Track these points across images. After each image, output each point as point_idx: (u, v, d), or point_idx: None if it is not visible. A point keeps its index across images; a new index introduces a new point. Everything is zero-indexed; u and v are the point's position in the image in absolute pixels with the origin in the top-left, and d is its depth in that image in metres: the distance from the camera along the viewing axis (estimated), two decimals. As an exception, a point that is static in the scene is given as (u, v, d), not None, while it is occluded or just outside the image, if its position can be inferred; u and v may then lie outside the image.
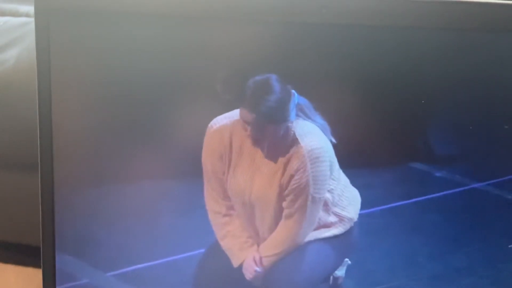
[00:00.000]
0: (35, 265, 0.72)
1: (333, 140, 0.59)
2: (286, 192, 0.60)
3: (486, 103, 0.57)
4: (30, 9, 0.86)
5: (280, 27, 0.57)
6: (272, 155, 0.60)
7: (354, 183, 0.60)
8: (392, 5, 0.55)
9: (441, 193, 0.59)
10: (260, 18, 0.57)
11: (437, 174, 0.59)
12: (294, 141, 0.59)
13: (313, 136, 0.59)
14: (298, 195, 0.60)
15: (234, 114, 0.60)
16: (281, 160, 0.60)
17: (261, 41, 0.58)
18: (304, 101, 0.58)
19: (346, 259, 0.63)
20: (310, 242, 0.62)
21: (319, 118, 0.58)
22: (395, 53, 0.56)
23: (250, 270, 0.63)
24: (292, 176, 0.60)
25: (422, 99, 0.57)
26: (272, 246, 0.62)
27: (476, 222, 0.60)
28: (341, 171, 0.60)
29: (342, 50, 0.57)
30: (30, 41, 0.80)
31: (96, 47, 0.60)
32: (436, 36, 0.56)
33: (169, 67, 0.59)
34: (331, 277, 0.63)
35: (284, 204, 0.61)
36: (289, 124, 0.59)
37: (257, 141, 0.60)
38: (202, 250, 0.63)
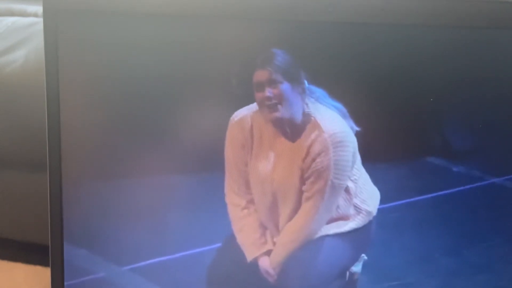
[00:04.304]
0: (44, 263, 0.73)
1: (355, 127, 0.59)
2: (307, 175, 0.60)
3: (505, 96, 0.57)
4: (38, 9, 0.86)
5: (288, 26, 0.57)
6: (293, 141, 0.61)
7: (372, 177, 0.60)
8: (397, 3, 0.56)
9: (460, 188, 0.59)
10: (266, 17, 0.57)
11: (455, 169, 0.59)
12: (316, 126, 0.60)
13: (335, 121, 0.59)
14: (317, 178, 0.60)
15: (254, 106, 0.60)
16: (303, 146, 0.60)
17: (268, 38, 0.58)
18: (319, 91, 0.58)
19: (363, 255, 0.63)
20: (327, 236, 0.62)
21: (335, 102, 0.59)
22: (405, 50, 0.57)
23: (264, 273, 0.64)
24: (313, 160, 0.60)
25: (440, 94, 0.57)
26: (289, 233, 0.62)
27: (495, 218, 0.60)
28: (362, 166, 0.60)
29: (350, 47, 0.57)
30: (38, 41, 0.80)
31: (104, 46, 0.60)
32: (446, 32, 0.56)
33: (177, 65, 0.60)
34: (347, 273, 0.63)
35: (304, 187, 0.61)
36: (307, 110, 0.60)
37: (277, 120, 0.60)
38: (218, 245, 0.64)
